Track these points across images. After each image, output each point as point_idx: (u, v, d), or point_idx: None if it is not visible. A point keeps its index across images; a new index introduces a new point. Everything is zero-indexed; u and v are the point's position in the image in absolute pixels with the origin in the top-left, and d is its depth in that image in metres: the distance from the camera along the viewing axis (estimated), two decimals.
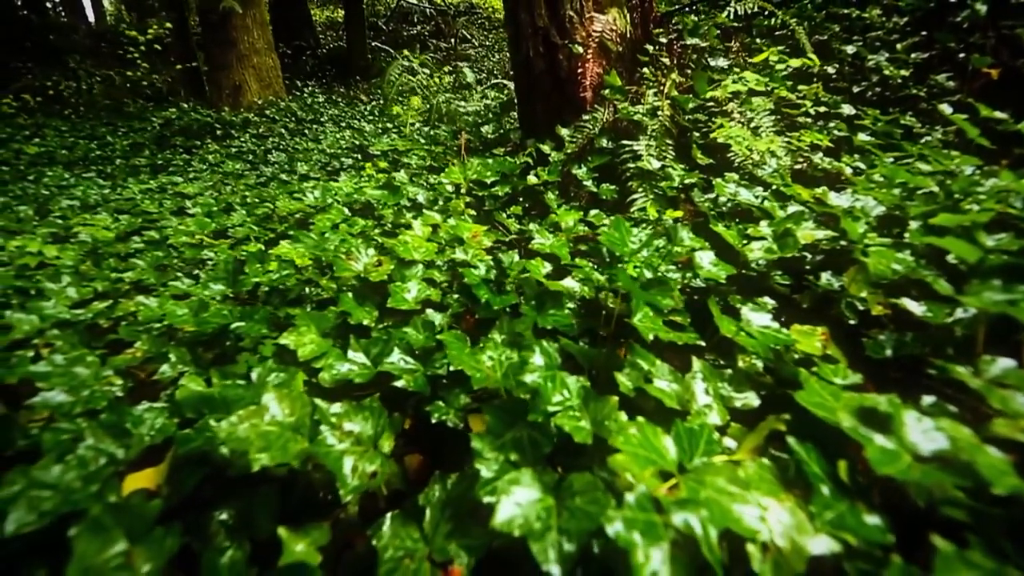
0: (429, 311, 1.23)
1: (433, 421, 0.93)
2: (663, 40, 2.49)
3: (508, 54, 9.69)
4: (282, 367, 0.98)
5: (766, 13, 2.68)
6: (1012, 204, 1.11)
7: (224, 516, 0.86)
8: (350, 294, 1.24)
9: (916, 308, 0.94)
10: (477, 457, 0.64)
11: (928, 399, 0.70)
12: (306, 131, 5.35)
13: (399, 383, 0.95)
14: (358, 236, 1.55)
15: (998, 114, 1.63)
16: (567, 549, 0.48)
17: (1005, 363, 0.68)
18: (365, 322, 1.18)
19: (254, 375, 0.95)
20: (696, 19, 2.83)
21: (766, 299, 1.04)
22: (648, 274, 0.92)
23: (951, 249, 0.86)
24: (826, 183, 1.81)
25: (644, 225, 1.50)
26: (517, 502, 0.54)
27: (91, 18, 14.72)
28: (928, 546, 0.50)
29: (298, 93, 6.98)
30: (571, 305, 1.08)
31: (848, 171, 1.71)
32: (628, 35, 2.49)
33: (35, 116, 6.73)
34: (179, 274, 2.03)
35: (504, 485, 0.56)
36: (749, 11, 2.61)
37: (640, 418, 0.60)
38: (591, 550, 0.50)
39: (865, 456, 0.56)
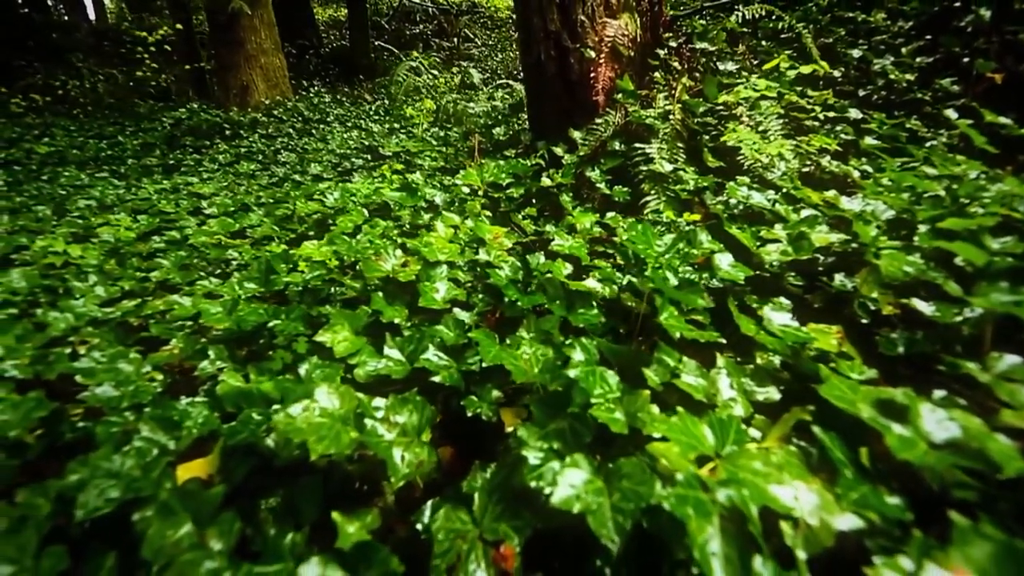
0: (456, 310, 1.29)
1: (469, 415, 0.98)
2: (672, 44, 2.54)
3: (511, 54, 9.73)
4: (325, 363, 1.03)
5: (773, 17, 2.72)
6: (1016, 208, 1.16)
7: (272, 503, 0.92)
8: (380, 293, 1.29)
9: (925, 308, 0.99)
10: (523, 445, 0.70)
11: (939, 393, 0.75)
12: (313, 131, 5.39)
13: (436, 378, 1.00)
14: (381, 237, 1.61)
15: (1002, 119, 1.68)
16: (621, 524, 0.53)
17: (1012, 359, 0.74)
18: (396, 320, 1.24)
19: (302, 371, 1.00)
20: (704, 23, 2.87)
21: (782, 299, 1.09)
22: (670, 275, 0.97)
23: (960, 252, 0.91)
24: (834, 186, 1.86)
25: (659, 227, 1.55)
26: (571, 484, 0.59)
27: (92, 16, 14.71)
28: (943, 523, 0.55)
29: (304, 93, 7.02)
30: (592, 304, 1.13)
31: (856, 174, 1.76)
32: (638, 39, 2.54)
33: (43, 115, 6.78)
34: (202, 274, 2.09)
35: (558, 469, 0.61)
36: (756, 16, 2.66)
37: (680, 408, 0.66)
38: (640, 527, 0.55)
39: (885, 444, 0.62)
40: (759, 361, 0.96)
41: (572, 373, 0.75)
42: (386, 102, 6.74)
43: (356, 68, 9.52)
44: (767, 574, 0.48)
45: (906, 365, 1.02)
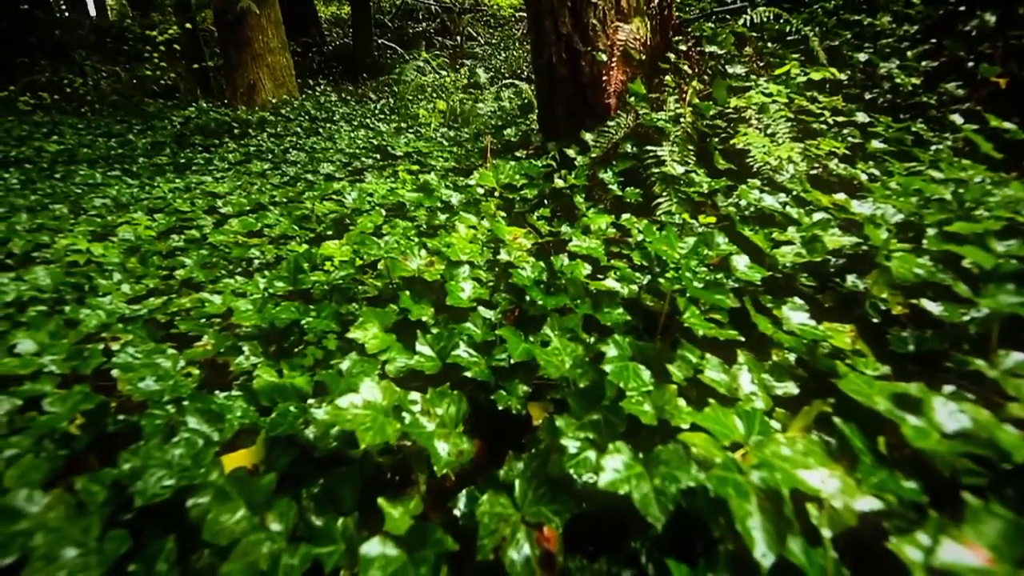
0: (480, 308, 1.34)
1: (500, 408, 1.03)
2: (682, 48, 2.58)
3: (514, 53, 9.74)
4: (363, 359, 1.08)
5: (781, 20, 2.76)
6: (1021, 212, 1.21)
7: (315, 491, 0.97)
8: (407, 292, 1.34)
9: (934, 308, 1.04)
10: (561, 435, 0.75)
11: (948, 388, 0.81)
12: (320, 130, 5.43)
13: (468, 373, 1.05)
14: (403, 238, 1.65)
15: (1006, 124, 1.72)
16: (665, 504, 0.58)
17: (1018, 356, 0.79)
18: (424, 318, 1.29)
19: (344, 366, 1.05)
20: (712, 26, 2.92)
21: (796, 299, 1.14)
22: (689, 276, 1.03)
23: (968, 256, 0.96)
24: (841, 188, 1.91)
25: (672, 228, 1.60)
26: (615, 468, 0.64)
27: (92, 13, 14.68)
28: (955, 507, 0.60)
29: (310, 92, 7.06)
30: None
31: (863, 177, 1.81)
32: (647, 42, 2.58)
33: (51, 113, 6.81)
34: (222, 272, 2.13)
35: (596, 458, 0.66)
36: (764, 20, 2.70)
37: (712, 400, 0.71)
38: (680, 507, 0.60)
39: (899, 435, 0.67)
40: (775, 358, 1.01)
41: (607, 368, 0.80)
42: (391, 101, 6.78)
43: (360, 66, 9.54)
44: (797, 549, 0.54)
45: (915, 362, 1.07)
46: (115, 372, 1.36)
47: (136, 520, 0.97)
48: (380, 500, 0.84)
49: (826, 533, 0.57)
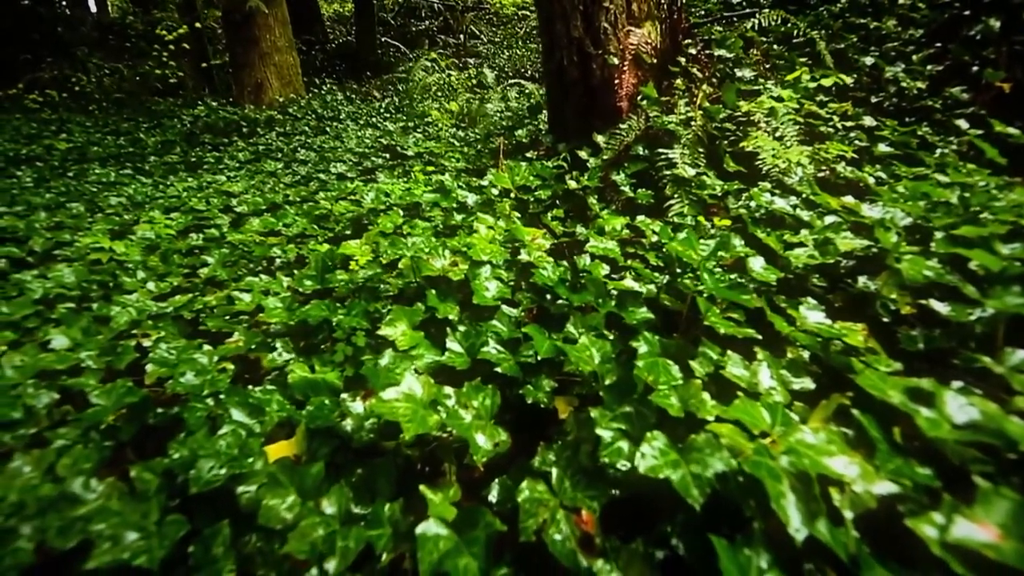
0: (504, 307, 1.39)
1: (529, 402, 1.08)
2: (692, 51, 2.63)
3: (518, 51, 9.76)
4: (398, 355, 1.14)
5: (789, 24, 2.81)
6: None
7: (353, 480, 1.02)
8: (433, 291, 1.40)
9: (942, 308, 1.10)
10: (596, 426, 0.80)
11: (956, 384, 0.86)
12: (327, 129, 5.47)
13: (498, 369, 1.11)
14: (425, 237, 1.70)
15: (1010, 129, 1.77)
16: (703, 487, 0.64)
17: (1023, 353, 0.84)
18: (450, 316, 1.34)
19: (383, 362, 1.11)
20: (720, 30, 2.96)
21: (809, 299, 1.19)
22: (713, 277, 1.08)
23: (976, 259, 1.01)
24: (848, 191, 1.96)
25: (685, 229, 1.65)
26: (653, 455, 0.69)
27: (93, 9, 14.63)
28: (964, 492, 0.66)
29: (316, 91, 7.09)
30: None
31: (871, 180, 1.86)
32: (658, 46, 2.63)
33: (58, 111, 6.85)
34: (244, 271, 2.18)
35: (628, 447, 0.71)
36: (772, 24, 2.75)
37: (740, 393, 0.76)
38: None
39: (914, 425, 0.72)
40: (789, 355, 1.07)
41: (640, 363, 0.85)
42: (396, 99, 6.82)
43: (363, 64, 9.56)
44: (823, 528, 0.59)
45: (923, 360, 1.12)
46: (149, 367, 1.41)
47: (183, 507, 1.02)
48: (422, 487, 0.90)
49: (848, 514, 0.62)
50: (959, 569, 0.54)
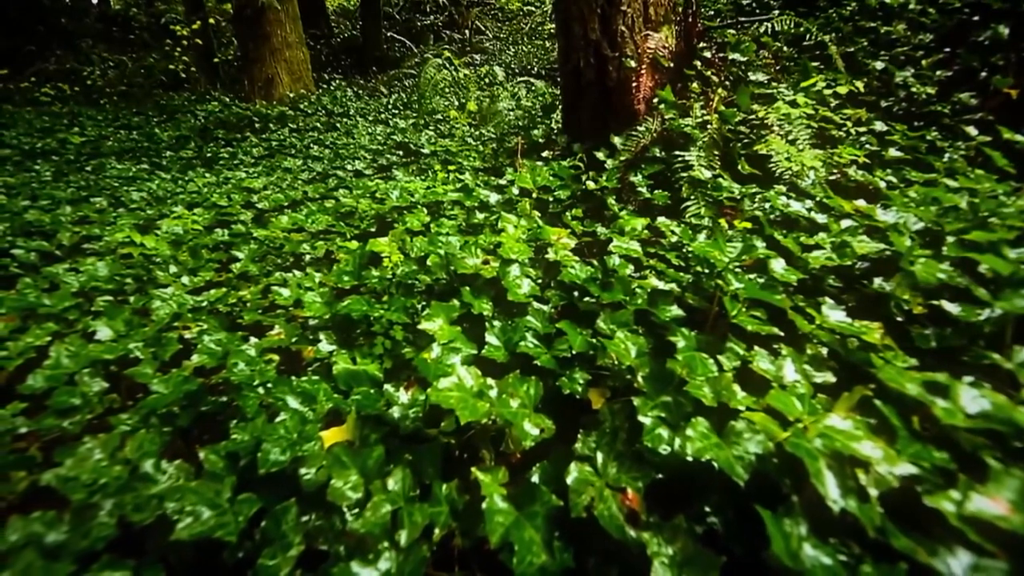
0: (535, 303, 1.46)
1: (566, 393, 1.16)
2: (707, 55, 2.68)
3: (524, 48, 9.77)
4: (447, 348, 1.21)
5: (802, 28, 2.87)
6: None
7: (402, 464, 1.10)
8: (467, 288, 1.47)
9: (952, 308, 1.17)
10: (638, 413, 0.88)
11: (967, 378, 0.94)
12: (338, 125, 5.52)
13: (536, 362, 1.18)
14: (457, 236, 1.78)
15: (1018, 136, 1.84)
16: (746, 467, 0.71)
17: None
18: (484, 312, 1.41)
19: (434, 354, 1.18)
20: (734, 33, 3.02)
21: (827, 299, 1.27)
22: (743, 278, 1.15)
23: (986, 263, 1.09)
24: (859, 194, 2.03)
25: (707, 231, 1.72)
26: (698, 440, 0.77)
27: (95, 0, 14.55)
28: (976, 472, 0.73)
29: (325, 86, 7.13)
30: None
31: (882, 184, 1.93)
32: (674, 50, 2.68)
33: (69, 104, 6.89)
34: (272, 267, 2.25)
35: (679, 431, 0.79)
36: (784, 28, 2.80)
37: (775, 384, 0.84)
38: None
39: (931, 415, 0.80)
40: (809, 352, 1.14)
41: (679, 357, 0.92)
42: (403, 95, 6.86)
43: (369, 59, 9.57)
44: (853, 503, 0.67)
45: (935, 356, 1.20)
46: (195, 358, 1.49)
47: (245, 487, 1.10)
48: (474, 469, 0.97)
49: (873, 492, 0.70)
50: (975, 537, 0.61)
